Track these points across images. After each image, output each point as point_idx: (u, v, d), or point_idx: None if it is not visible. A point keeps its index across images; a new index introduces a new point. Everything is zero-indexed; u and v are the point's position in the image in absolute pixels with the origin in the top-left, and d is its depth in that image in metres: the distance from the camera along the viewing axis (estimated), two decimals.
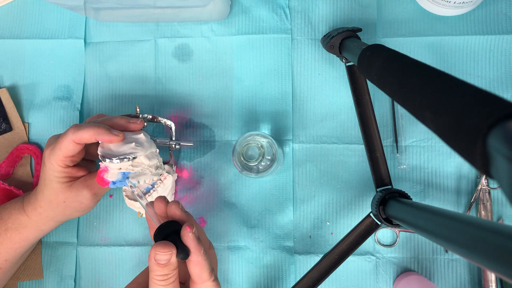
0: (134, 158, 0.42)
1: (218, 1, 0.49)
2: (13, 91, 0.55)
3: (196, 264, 0.33)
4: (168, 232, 0.33)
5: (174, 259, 0.32)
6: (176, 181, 0.52)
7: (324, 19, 0.53)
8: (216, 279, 0.35)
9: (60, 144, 0.41)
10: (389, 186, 0.44)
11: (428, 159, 0.50)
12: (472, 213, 0.50)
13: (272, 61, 0.53)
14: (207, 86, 0.53)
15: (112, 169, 0.42)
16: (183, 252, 0.32)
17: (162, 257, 0.32)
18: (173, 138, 0.51)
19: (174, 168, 0.52)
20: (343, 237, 0.44)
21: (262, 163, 0.45)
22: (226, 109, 0.53)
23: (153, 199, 0.46)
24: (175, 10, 0.50)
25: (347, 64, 0.46)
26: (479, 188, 0.49)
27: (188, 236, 0.33)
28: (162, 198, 0.36)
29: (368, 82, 0.46)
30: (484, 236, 0.22)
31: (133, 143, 0.42)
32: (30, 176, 0.54)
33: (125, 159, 0.41)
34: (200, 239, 0.34)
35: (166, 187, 0.48)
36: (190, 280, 0.35)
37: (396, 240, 0.50)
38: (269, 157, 0.45)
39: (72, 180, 0.44)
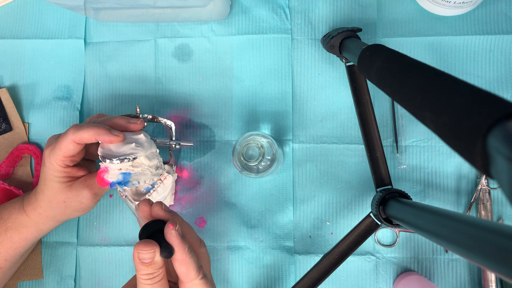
0: (134, 158, 0.42)
1: (218, 1, 0.49)
2: (13, 91, 0.55)
3: (181, 262, 0.33)
4: (153, 231, 0.33)
5: (158, 257, 0.32)
6: (176, 181, 0.52)
7: (324, 19, 0.53)
8: (205, 277, 0.34)
9: (60, 144, 0.41)
10: (389, 186, 0.44)
11: (428, 159, 0.50)
12: (472, 213, 0.50)
13: (272, 61, 0.53)
14: (207, 86, 0.53)
15: (112, 170, 0.42)
16: (166, 250, 0.32)
17: (145, 256, 0.32)
18: (173, 138, 0.51)
19: (174, 168, 0.52)
20: (343, 237, 0.44)
21: (262, 163, 0.45)
22: (226, 109, 0.53)
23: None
24: (175, 10, 0.50)
25: (347, 64, 0.46)
26: (479, 188, 0.49)
27: (171, 234, 0.32)
28: (147, 201, 0.36)
29: (368, 82, 0.46)
30: (484, 236, 0.22)
31: (133, 144, 0.42)
32: (30, 176, 0.54)
33: (125, 160, 0.41)
34: (185, 237, 0.33)
35: (166, 187, 0.48)
36: (179, 280, 0.34)
37: (396, 240, 0.50)
38: (269, 157, 0.45)
39: (72, 180, 0.44)
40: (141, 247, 0.31)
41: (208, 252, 0.39)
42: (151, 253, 0.32)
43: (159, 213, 0.35)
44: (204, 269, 0.35)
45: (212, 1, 0.46)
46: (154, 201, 0.47)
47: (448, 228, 0.27)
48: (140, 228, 0.34)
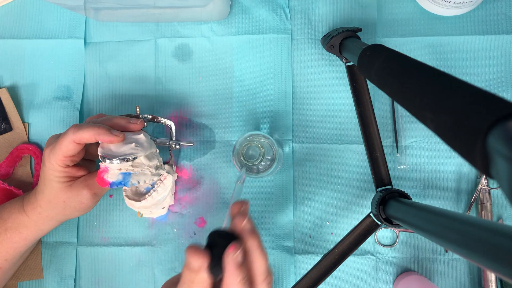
0: (134, 158, 0.42)
1: (218, 1, 0.49)
2: (13, 91, 0.55)
3: None
4: (218, 242, 0.31)
5: (203, 270, 0.29)
6: (176, 181, 0.52)
7: (324, 19, 0.53)
8: None
9: (60, 144, 0.41)
10: (389, 186, 0.44)
11: (428, 159, 0.50)
12: (472, 213, 0.50)
13: (272, 61, 0.53)
14: (207, 86, 0.53)
15: (112, 170, 0.42)
16: (215, 268, 0.30)
17: (192, 263, 0.29)
18: (173, 138, 0.51)
19: (174, 168, 0.52)
20: (343, 237, 0.44)
21: (262, 163, 0.45)
22: (226, 109, 0.53)
23: (153, 199, 0.47)
24: (175, 10, 0.50)
25: (347, 64, 0.46)
26: (479, 188, 0.49)
27: (227, 257, 0.30)
28: (239, 204, 0.33)
29: (368, 82, 0.46)
30: (484, 236, 0.22)
31: (133, 144, 0.42)
32: (30, 176, 0.54)
33: (125, 160, 0.41)
34: (245, 266, 0.30)
35: (166, 187, 0.48)
36: None
37: (396, 240, 0.50)
38: (269, 157, 0.45)
39: (72, 180, 0.44)
40: (190, 252, 0.29)
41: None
42: (198, 264, 0.29)
43: (237, 226, 0.32)
44: None
45: (212, 1, 0.46)
46: (155, 201, 0.47)
47: (448, 228, 0.27)
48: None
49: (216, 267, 0.30)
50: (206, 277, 0.30)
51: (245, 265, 0.31)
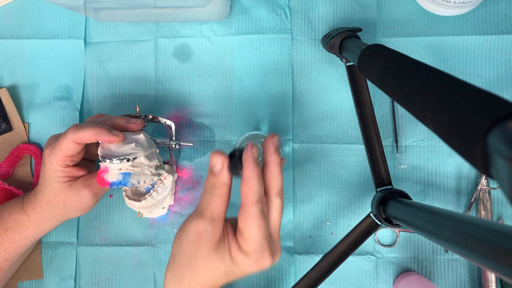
0: (134, 158, 0.42)
1: (218, 1, 0.49)
2: (13, 91, 0.55)
3: (245, 181, 0.32)
4: (238, 152, 0.34)
5: (225, 171, 0.33)
6: (176, 181, 0.52)
7: (324, 19, 0.53)
8: (263, 215, 0.32)
9: (60, 143, 0.41)
10: (389, 186, 0.44)
11: (428, 159, 0.50)
12: (472, 213, 0.50)
13: (272, 61, 0.53)
14: (207, 86, 0.53)
15: (112, 170, 0.42)
16: (234, 165, 0.33)
17: (213, 162, 0.33)
18: (173, 138, 0.51)
19: (174, 168, 0.52)
20: (343, 237, 0.44)
21: (262, 163, 0.45)
22: (226, 109, 0.53)
23: (153, 199, 0.47)
24: (175, 10, 0.50)
25: (347, 64, 0.46)
26: (479, 188, 0.49)
27: (246, 151, 0.33)
28: (274, 134, 0.36)
29: (368, 82, 0.46)
30: (484, 236, 0.22)
31: (133, 144, 0.42)
32: (30, 176, 0.54)
33: (125, 160, 0.41)
34: (258, 165, 0.33)
35: (166, 187, 0.48)
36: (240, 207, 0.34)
37: (396, 240, 0.50)
38: None
39: (72, 179, 0.44)
40: (213, 154, 0.33)
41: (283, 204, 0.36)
42: (219, 162, 0.33)
43: (269, 140, 0.34)
44: (269, 219, 0.34)
45: (212, 1, 0.46)
46: (155, 201, 0.47)
47: (448, 228, 0.27)
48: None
49: (235, 166, 0.33)
50: (226, 178, 0.33)
51: (263, 176, 0.34)
